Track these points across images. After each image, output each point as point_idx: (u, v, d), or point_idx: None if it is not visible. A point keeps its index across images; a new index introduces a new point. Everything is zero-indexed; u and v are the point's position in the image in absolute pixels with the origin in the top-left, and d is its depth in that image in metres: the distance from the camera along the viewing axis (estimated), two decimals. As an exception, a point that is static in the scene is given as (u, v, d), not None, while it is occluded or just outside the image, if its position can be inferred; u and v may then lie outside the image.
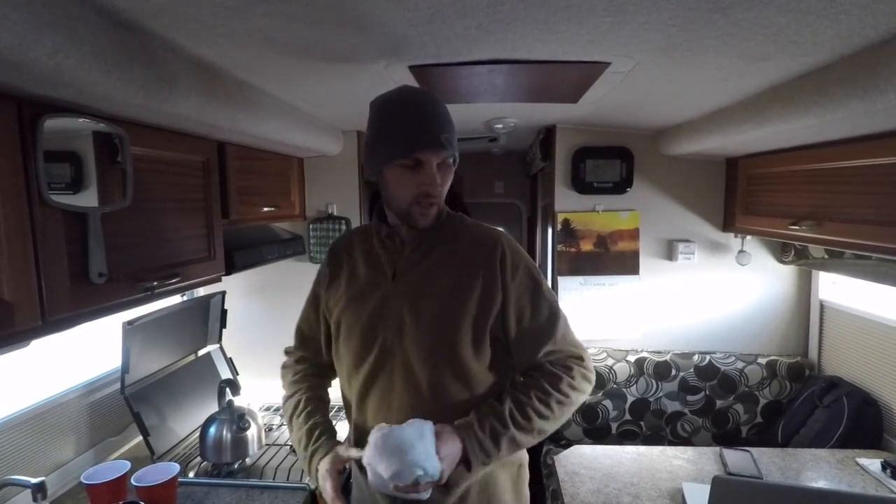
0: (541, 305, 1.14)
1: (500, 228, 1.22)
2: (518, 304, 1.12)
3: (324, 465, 1.11)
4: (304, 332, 1.34)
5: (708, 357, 2.35)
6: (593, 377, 1.18)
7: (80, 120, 1.08)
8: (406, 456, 0.95)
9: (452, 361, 1.10)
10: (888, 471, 1.60)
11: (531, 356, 1.14)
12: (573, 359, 1.15)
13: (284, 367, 1.36)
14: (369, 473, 1.01)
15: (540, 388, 1.11)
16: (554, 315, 1.15)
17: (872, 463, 1.66)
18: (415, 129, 1.04)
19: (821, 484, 1.60)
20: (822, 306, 2.30)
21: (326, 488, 1.08)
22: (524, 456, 1.27)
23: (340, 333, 1.20)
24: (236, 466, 1.70)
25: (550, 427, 1.11)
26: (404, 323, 1.11)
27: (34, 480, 1.28)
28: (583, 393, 1.14)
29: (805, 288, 2.39)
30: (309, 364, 1.33)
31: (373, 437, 1.02)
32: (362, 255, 1.22)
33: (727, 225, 2.37)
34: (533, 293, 1.14)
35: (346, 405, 1.26)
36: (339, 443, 1.17)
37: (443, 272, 1.13)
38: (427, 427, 1.01)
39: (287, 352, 1.40)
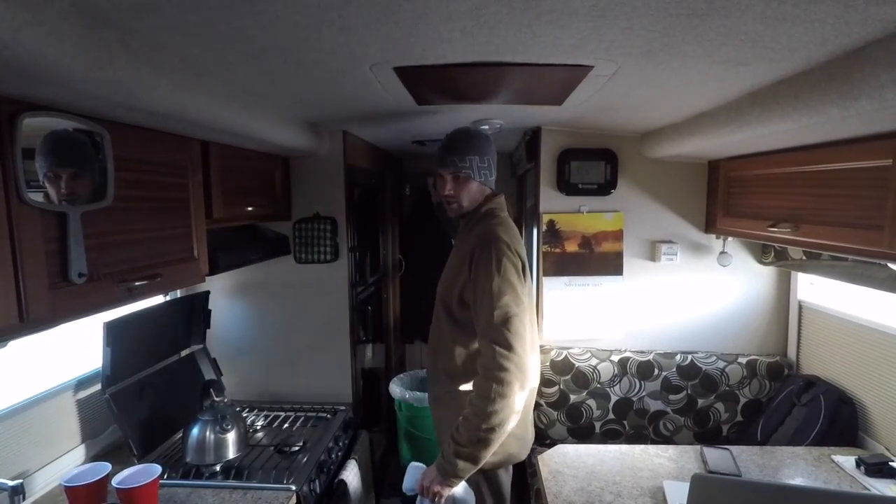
0: (482, 298, 1.48)
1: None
2: (473, 290, 1.52)
3: None
4: None
5: (690, 357, 2.38)
6: (510, 370, 1.41)
7: (60, 118, 1.07)
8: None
9: (441, 307, 1.68)
10: (862, 467, 1.64)
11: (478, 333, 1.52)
12: (495, 365, 1.42)
13: None
14: None
15: (465, 414, 1.46)
16: (489, 308, 1.46)
17: (847, 460, 1.70)
18: (437, 154, 1.66)
19: (797, 481, 1.64)
20: (800, 307, 2.35)
21: None
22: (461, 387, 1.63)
23: None
24: (219, 468, 1.69)
25: (492, 434, 1.42)
26: (441, 277, 1.71)
27: (11, 483, 1.27)
28: (497, 398, 1.40)
29: (784, 288, 2.44)
30: None
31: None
32: None
33: (709, 226, 2.41)
34: (482, 287, 1.49)
35: None
36: None
37: (457, 249, 1.69)
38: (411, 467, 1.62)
39: None
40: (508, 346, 1.42)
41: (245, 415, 2.18)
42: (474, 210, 1.68)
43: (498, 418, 1.40)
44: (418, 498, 1.56)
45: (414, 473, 1.58)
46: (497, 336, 1.43)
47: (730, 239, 2.37)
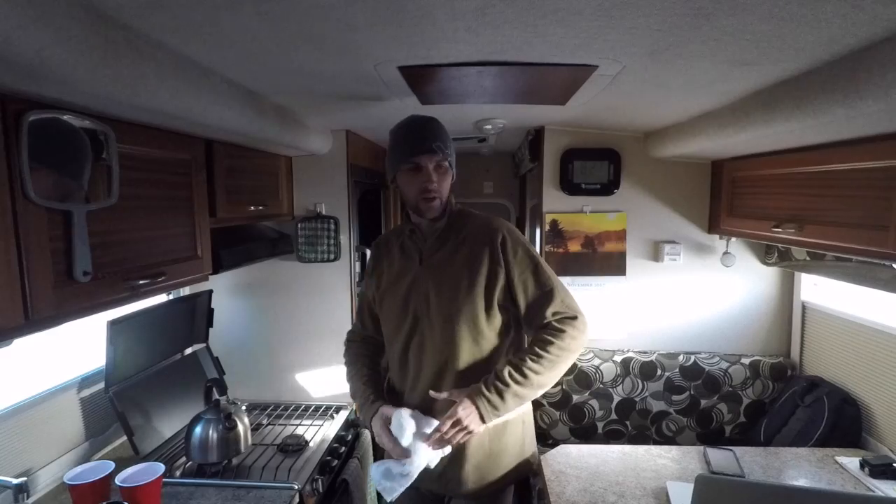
0: (541, 277, 1.43)
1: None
2: (522, 277, 1.42)
3: (376, 420, 1.46)
4: (365, 314, 1.68)
5: (693, 357, 2.38)
6: (585, 330, 1.42)
7: (65, 116, 1.07)
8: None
9: (468, 323, 1.41)
10: (866, 469, 1.63)
11: (540, 318, 1.41)
12: (569, 319, 1.41)
13: (348, 341, 1.73)
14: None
15: (533, 352, 1.37)
16: (552, 284, 1.43)
17: (851, 461, 1.69)
18: (413, 140, 1.40)
19: (801, 482, 1.63)
20: (803, 307, 2.34)
21: (377, 430, 1.46)
22: (527, 412, 1.58)
23: (383, 309, 1.55)
24: (222, 466, 1.70)
25: (547, 380, 1.39)
26: (430, 295, 1.44)
27: (15, 481, 1.27)
28: (572, 350, 1.40)
29: (788, 289, 2.43)
30: (370, 340, 1.68)
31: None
32: (397, 247, 1.56)
33: (712, 227, 2.41)
34: (534, 268, 1.43)
35: (389, 367, 1.61)
36: (384, 403, 1.50)
37: (457, 254, 1.45)
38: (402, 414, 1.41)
39: (351, 332, 1.75)
40: (580, 311, 1.44)
41: (247, 414, 2.18)
42: (446, 209, 1.49)
43: (559, 372, 1.41)
44: (416, 444, 1.36)
45: (412, 420, 1.39)
46: (570, 302, 1.43)
47: (733, 239, 2.37)
